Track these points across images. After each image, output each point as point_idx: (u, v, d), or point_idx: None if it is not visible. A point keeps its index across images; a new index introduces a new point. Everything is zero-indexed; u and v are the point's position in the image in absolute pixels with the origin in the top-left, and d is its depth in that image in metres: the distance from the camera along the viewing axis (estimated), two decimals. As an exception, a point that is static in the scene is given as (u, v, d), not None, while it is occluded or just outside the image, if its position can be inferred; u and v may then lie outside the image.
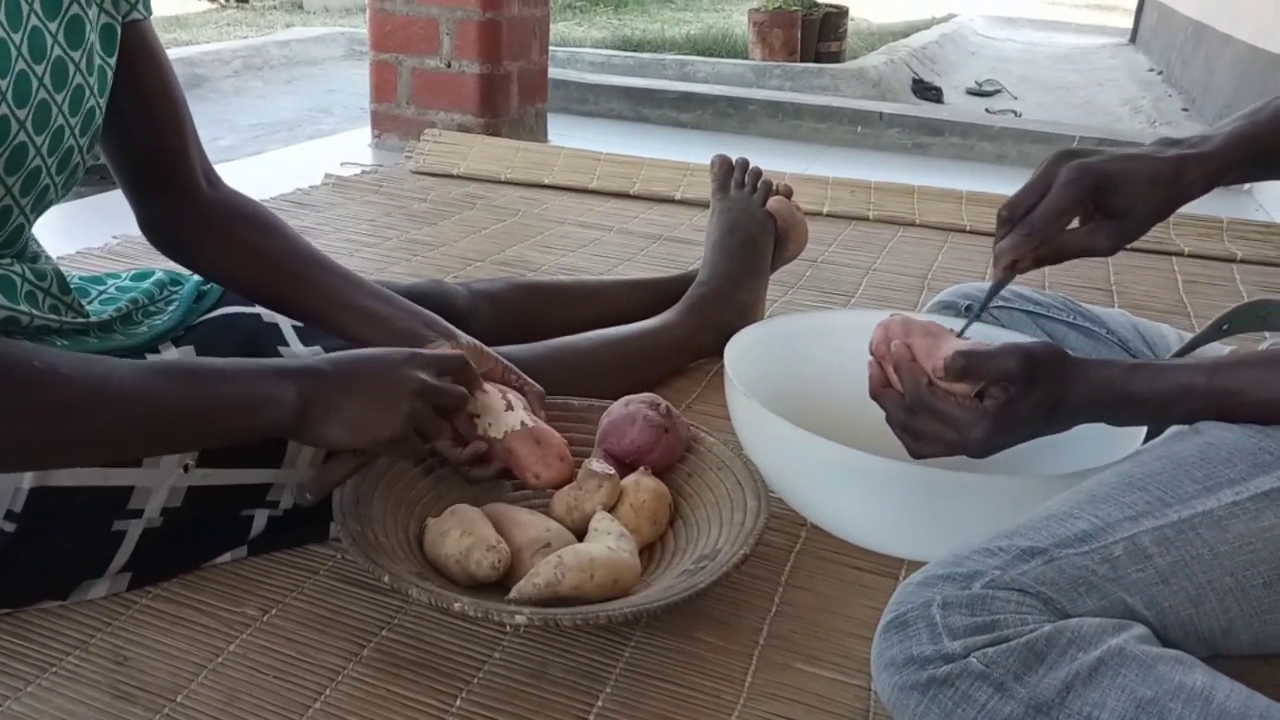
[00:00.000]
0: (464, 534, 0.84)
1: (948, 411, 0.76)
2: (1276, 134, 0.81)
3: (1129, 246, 0.82)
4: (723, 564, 0.82)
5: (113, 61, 0.83)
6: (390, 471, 0.92)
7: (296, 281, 0.93)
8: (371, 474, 0.89)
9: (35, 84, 0.74)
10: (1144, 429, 0.89)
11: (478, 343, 0.94)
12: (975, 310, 0.87)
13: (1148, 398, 0.73)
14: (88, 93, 0.80)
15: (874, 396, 0.82)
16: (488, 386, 0.89)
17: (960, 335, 0.83)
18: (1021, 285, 1.23)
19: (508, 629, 0.83)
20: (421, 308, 0.97)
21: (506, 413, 0.88)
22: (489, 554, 0.82)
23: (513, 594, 0.79)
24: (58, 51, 0.76)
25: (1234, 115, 0.83)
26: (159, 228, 0.94)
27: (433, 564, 0.85)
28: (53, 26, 0.76)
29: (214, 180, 0.95)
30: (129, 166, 0.91)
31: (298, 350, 0.93)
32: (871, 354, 0.83)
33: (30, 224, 0.81)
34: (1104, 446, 0.89)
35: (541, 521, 0.88)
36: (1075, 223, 0.81)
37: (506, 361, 0.95)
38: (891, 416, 0.81)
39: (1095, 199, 0.78)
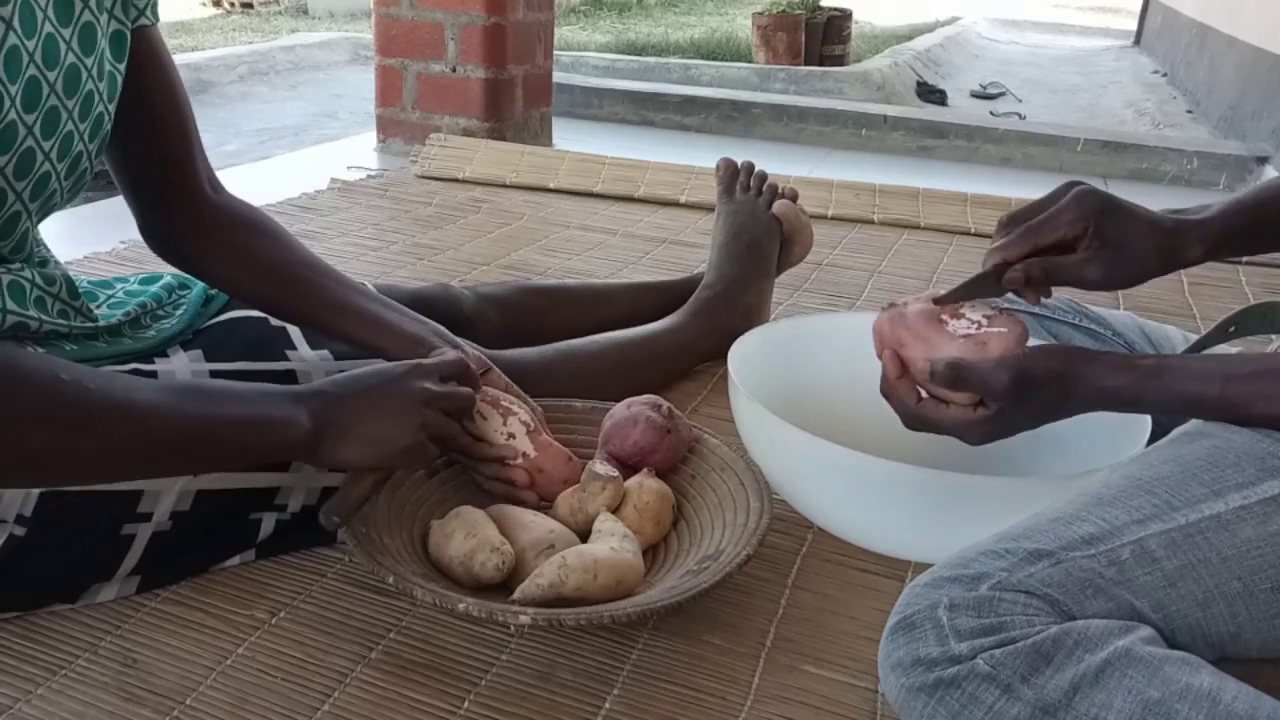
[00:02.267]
0: (468, 536, 0.84)
1: (942, 422, 0.79)
2: (1277, 204, 0.82)
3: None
4: (725, 564, 0.83)
5: (122, 68, 0.83)
6: (395, 474, 0.92)
7: (300, 287, 0.93)
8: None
9: (46, 90, 0.75)
10: (1149, 428, 0.89)
11: (483, 355, 0.95)
12: (946, 294, 0.84)
13: (1157, 407, 0.75)
14: (97, 99, 0.80)
15: (883, 394, 0.84)
16: (487, 412, 0.90)
17: (944, 304, 0.82)
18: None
19: (512, 629, 0.83)
20: (426, 318, 0.97)
21: (506, 442, 0.90)
22: (493, 556, 0.82)
23: (516, 595, 0.79)
24: (71, 58, 0.77)
25: (1241, 192, 0.84)
26: (161, 234, 0.94)
27: (437, 566, 0.86)
28: (66, 33, 0.77)
29: (217, 186, 0.95)
30: (134, 173, 0.91)
31: (305, 355, 0.94)
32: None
33: (35, 228, 0.82)
34: (1110, 447, 0.89)
35: (545, 523, 0.89)
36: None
37: (507, 379, 0.96)
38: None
39: (1097, 222, 0.78)
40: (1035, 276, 0.79)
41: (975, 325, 0.80)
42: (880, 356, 0.84)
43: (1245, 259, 2.00)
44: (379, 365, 0.85)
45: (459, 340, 0.96)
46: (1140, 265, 0.79)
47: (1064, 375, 0.74)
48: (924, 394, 0.80)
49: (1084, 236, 0.78)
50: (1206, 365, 0.73)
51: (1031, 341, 0.80)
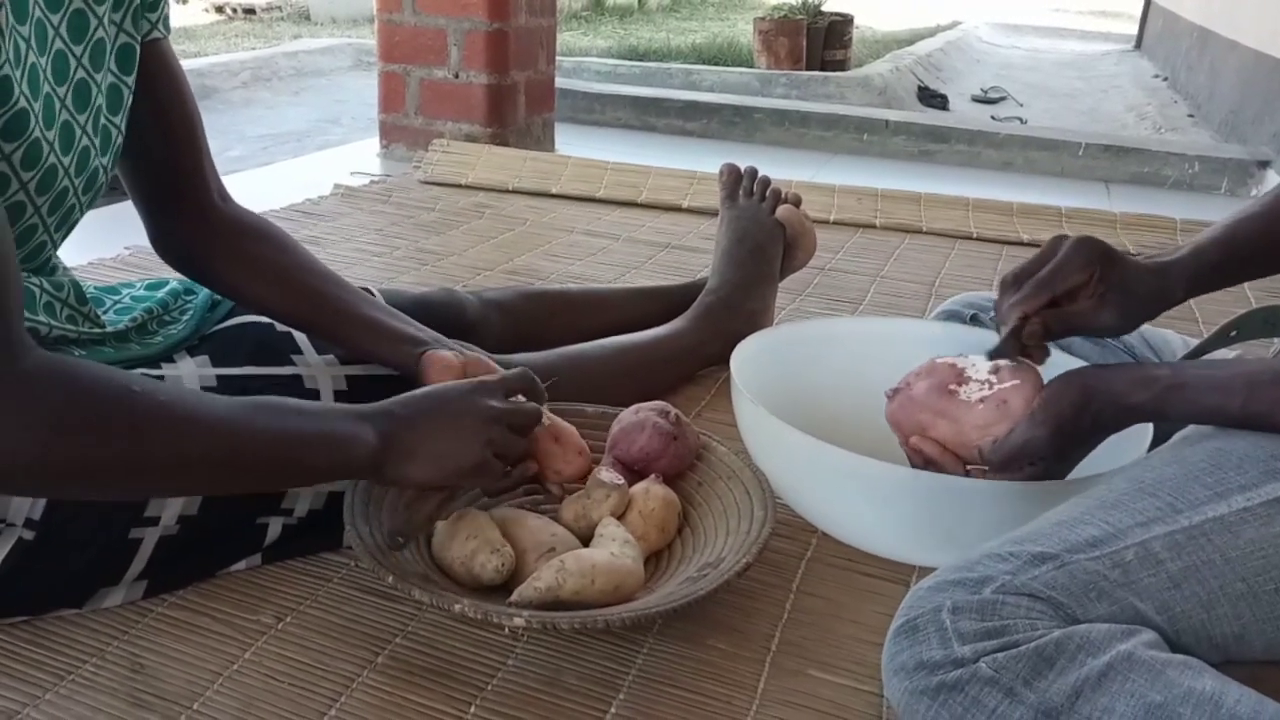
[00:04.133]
0: (470, 537, 0.84)
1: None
2: (1260, 229, 0.84)
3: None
4: (725, 572, 0.83)
5: (130, 80, 0.84)
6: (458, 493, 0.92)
7: (305, 295, 0.94)
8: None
9: (59, 106, 0.75)
10: (1150, 432, 0.89)
11: (484, 356, 0.95)
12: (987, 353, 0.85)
13: (1178, 419, 0.76)
14: (105, 113, 0.81)
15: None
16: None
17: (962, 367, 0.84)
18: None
19: (507, 631, 0.83)
20: (425, 327, 0.98)
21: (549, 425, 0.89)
22: (493, 557, 0.83)
23: (514, 597, 0.79)
24: (81, 74, 0.78)
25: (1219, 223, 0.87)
26: (171, 243, 0.95)
27: (440, 567, 0.86)
28: (78, 50, 0.78)
29: (226, 196, 0.96)
30: (145, 183, 0.92)
31: (311, 359, 0.94)
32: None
33: (54, 243, 0.82)
34: (1113, 451, 0.89)
35: (548, 526, 0.89)
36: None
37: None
38: None
39: (1102, 267, 0.80)
40: (1054, 328, 0.81)
41: (988, 385, 0.81)
42: (905, 448, 0.86)
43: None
44: (446, 384, 0.84)
45: (457, 345, 0.96)
46: (1143, 306, 0.81)
47: (1088, 402, 0.76)
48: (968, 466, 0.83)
49: (1089, 284, 0.80)
50: (1226, 375, 0.72)
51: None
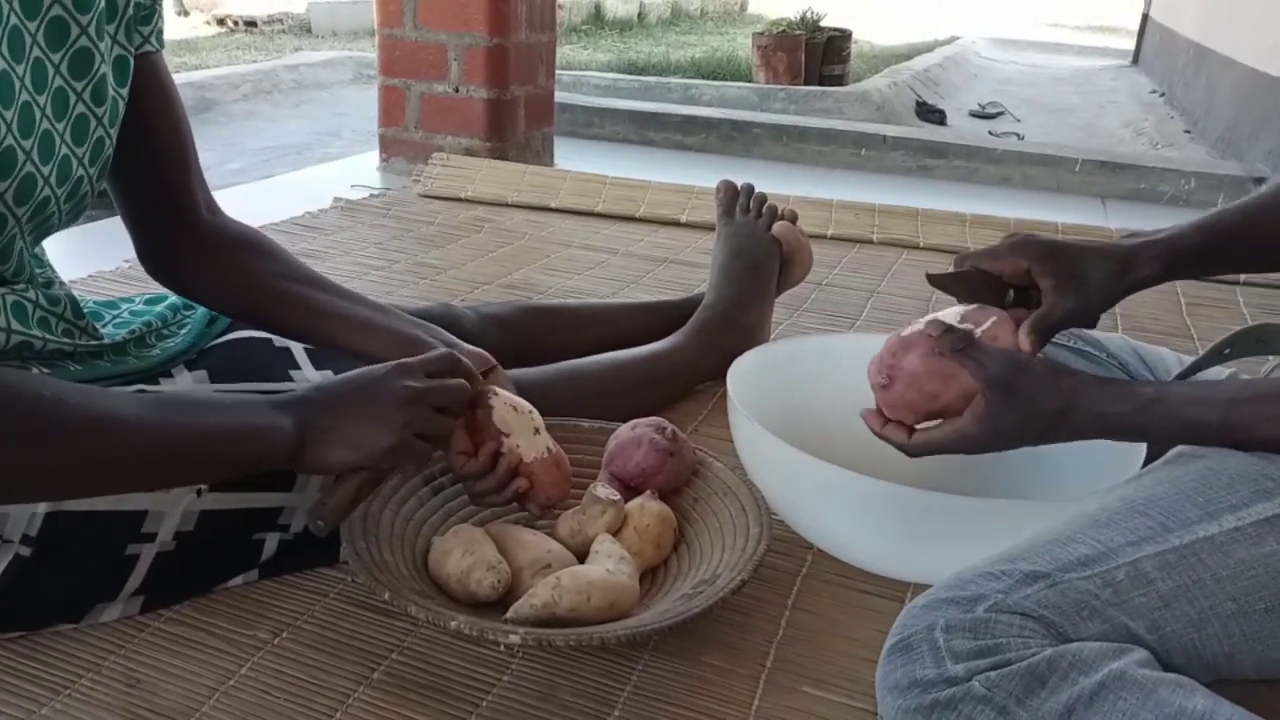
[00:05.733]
0: (465, 553, 0.85)
1: (939, 441, 0.80)
2: (1240, 223, 0.84)
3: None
4: (719, 589, 0.83)
5: (125, 93, 0.84)
6: (400, 490, 0.93)
7: (293, 299, 0.93)
8: (384, 492, 0.90)
9: (38, 114, 0.76)
10: (1144, 451, 0.90)
11: (483, 352, 0.94)
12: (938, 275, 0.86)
13: (1160, 433, 0.76)
14: (93, 123, 0.81)
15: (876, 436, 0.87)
16: (517, 402, 0.89)
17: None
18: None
19: (502, 647, 0.83)
20: (421, 319, 0.97)
21: (535, 436, 0.89)
22: (489, 574, 0.83)
23: (509, 614, 0.80)
24: (59, 82, 0.78)
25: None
26: (158, 258, 0.95)
27: (436, 583, 0.87)
28: (55, 57, 0.78)
29: (214, 209, 0.96)
30: (133, 197, 0.92)
31: (310, 375, 0.94)
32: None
33: (30, 251, 0.82)
34: (1105, 469, 0.89)
35: (544, 543, 0.89)
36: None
37: (510, 380, 0.96)
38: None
39: (1048, 262, 0.81)
40: (1040, 330, 0.80)
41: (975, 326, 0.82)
42: (872, 381, 0.85)
43: (1244, 278, 2.01)
44: (365, 368, 0.84)
45: (459, 341, 0.96)
46: (1103, 290, 0.82)
47: (1068, 409, 0.75)
48: (914, 426, 0.82)
49: (1032, 282, 0.81)
50: (1207, 391, 0.73)
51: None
